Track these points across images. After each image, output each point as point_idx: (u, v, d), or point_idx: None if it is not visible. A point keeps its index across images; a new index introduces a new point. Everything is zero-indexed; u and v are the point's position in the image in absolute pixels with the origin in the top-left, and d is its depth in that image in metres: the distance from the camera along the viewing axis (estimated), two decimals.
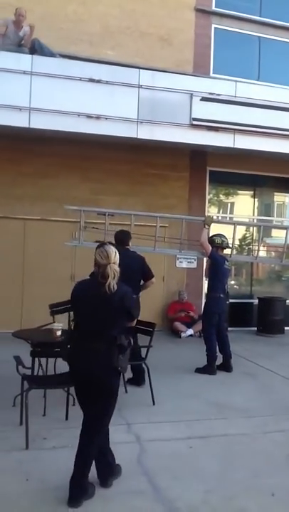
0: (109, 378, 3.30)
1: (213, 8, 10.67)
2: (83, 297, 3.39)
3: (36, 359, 4.84)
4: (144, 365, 5.52)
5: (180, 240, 7.22)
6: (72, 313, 3.58)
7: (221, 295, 6.95)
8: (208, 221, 7.08)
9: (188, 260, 9.67)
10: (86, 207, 7.20)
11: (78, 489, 3.26)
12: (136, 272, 5.78)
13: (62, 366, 4.79)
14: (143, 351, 5.56)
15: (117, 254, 3.41)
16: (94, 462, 3.41)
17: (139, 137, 8.41)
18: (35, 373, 4.85)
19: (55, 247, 8.90)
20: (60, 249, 8.89)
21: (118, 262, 3.37)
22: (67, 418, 4.69)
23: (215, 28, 10.70)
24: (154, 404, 5.24)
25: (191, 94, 8.65)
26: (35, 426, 4.22)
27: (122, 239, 5.95)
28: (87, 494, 3.29)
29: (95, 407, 3.31)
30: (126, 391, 5.57)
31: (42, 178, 9.06)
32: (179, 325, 9.47)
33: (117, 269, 3.32)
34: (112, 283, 3.26)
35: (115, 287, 3.27)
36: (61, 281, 9.00)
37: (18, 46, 8.34)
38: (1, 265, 8.79)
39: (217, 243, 6.99)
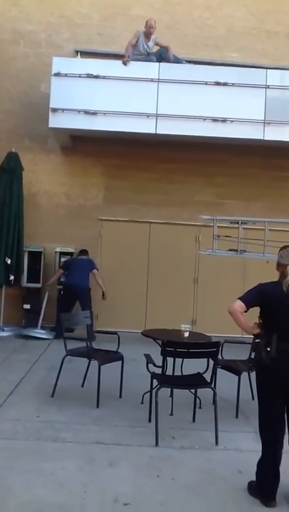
0: None
1: None
2: (275, 299, 3.38)
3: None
4: None
5: None
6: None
7: None
8: None
9: None
10: (219, 216, 7.15)
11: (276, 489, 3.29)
12: None
13: (188, 367, 4.85)
14: None
15: None
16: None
17: (265, 139, 8.20)
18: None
19: (178, 250, 9.07)
20: (184, 253, 9.04)
21: None
22: (194, 420, 4.72)
23: None
24: None
25: None
26: (163, 424, 4.29)
27: None
28: None
29: None
30: (253, 398, 5.43)
31: (167, 183, 9.25)
32: None
33: None
34: None
35: None
36: (184, 284, 9.17)
37: (147, 55, 8.61)
38: (127, 267, 9.12)
39: None
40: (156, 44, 8.73)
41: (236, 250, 6.56)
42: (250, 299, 3.47)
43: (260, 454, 3.40)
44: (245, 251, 6.58)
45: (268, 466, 3.33)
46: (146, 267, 9.23)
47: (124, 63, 8.33)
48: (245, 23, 9.69)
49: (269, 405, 3.35)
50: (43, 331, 8.36)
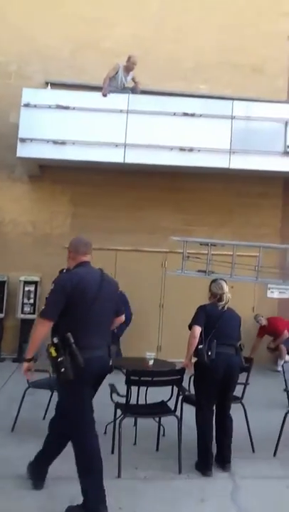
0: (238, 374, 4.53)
1: None
2: (214, 315, 4.46)
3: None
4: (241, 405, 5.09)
5: (281, 269, 6.96)
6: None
7: None
8: None
9: (281, 290, 9.30)
10: (189, 238, 7.23)
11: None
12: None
13: (152, 396, 4.79)
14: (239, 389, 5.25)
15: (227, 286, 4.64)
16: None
17: (231, 167, 8.39)
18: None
19: (145, 276, 9.07)
20: (150, 279, 9.06)
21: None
22: (157, 449, 4.64)
23: None
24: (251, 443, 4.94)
25: (286, 121, 8.51)
26: (126, 455, 4.21)
27: None
28: None
29: (229, 394, 4.48)
30: None
31: (135, 210, 9.31)
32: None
33: (229, 296, 4.57)
34: (227, 305, 4.55)
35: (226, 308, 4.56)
36: (150, 310, 9.13)
37: (122, 89, 8.74)
38: None
39: None
40: (133, 79, 8.89)
41: (205, 271, 6.62)
42: (201, 320, 4.44)
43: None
44: (213, 272, 6.64)
45: (202, 444, 4.25)
46: None
47: (104, 95, 8.47)
48: (212, 56, 9.95)
49: (206, 397, 4.35)
50: None
